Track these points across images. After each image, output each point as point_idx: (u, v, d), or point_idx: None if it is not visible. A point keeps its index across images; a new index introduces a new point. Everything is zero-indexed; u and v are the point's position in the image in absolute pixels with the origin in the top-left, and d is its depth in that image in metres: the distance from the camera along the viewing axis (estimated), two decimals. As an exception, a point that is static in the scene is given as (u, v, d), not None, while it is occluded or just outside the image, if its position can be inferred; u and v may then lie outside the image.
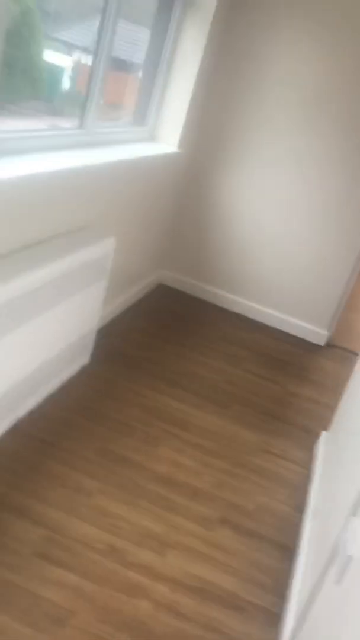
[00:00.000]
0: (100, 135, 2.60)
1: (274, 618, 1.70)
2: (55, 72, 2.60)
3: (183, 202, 3.63)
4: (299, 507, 2.17)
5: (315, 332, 3.65)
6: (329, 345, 3.68)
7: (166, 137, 3.21)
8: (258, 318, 3.72)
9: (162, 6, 2.93)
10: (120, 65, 2.92)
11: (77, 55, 2.68)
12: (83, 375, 2.56)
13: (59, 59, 2.60)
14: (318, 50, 3.11)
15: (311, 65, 3.15)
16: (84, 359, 2.61)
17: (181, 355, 3.02)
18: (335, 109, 3.18)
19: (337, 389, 3.11)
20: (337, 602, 1.26)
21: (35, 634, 1.46)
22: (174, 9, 2.94)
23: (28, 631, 1.46)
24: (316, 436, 2.66)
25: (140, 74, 3.12)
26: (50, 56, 2.53)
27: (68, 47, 2.63)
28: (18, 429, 2.12)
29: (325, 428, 2.69)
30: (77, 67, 2.69)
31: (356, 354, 3.58)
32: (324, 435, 2.54)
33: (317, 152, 3.29)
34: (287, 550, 1.96)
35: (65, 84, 2.72)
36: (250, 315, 3.73)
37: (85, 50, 2.67)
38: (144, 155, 2.83)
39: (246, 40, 3.21)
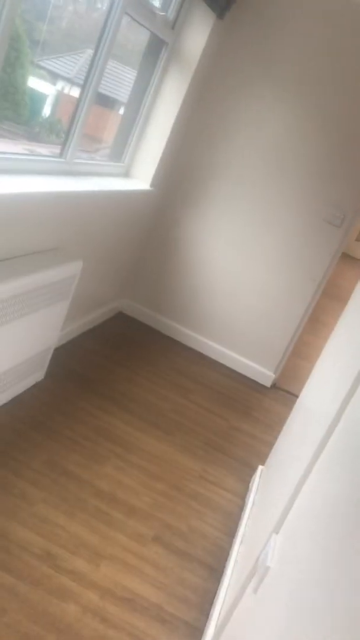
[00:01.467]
0: (78, 165, 2.76)
1: (195, 632, 1.80)
2: (37, 99, 2.73)
3: (150, 237, 3.81)
4: (230, 533, 2.29)
5: (262, 373, 3.83)
6: (274, 386, 3.86)
7: (140, 174, 3.40)
8: (210, 354, 3.89)
9: (150, 51, 3.16)
10: (104, 101, 3.09)
11: (60, 84, 2.82)
12: (37, 390, 2.65)
13: (43, 87, 2.74)
14: (285, 111, 3.38)
15: (281, 122, 3.41)
16: (39, 375, 2.70)
17: (133, 380, 3.14)
18: (301, 166, 3.44)
19: (276, 427, 3.27)
20: (252, 610, 1.39)
21: (-34, 627, 1.52)
22: (160, 58, 3.17)
23: None
24: (253, 469, 2.80)
25: (121, 112, 3.31)
26: (35, 83, 2.66)
27: (53, 76, 2.77)
28: (-32, 434, 2.19)
29: (262, 463, 2.83)
30: (60, 96, 2.83)
31: (297, 397, 3.76)
32: (260, 468, 2.68)
33: (280, 204, 3.53)
34: (214, 571, 2.07)
35: (46, 111, 2.85)
36: (203, 351, 3.89)
37: (69, 81, 2.82)
38: (118, 189, 3.00)
39: (224, 93, 3.46)
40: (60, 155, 2.63)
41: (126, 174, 3.40)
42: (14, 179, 2.18)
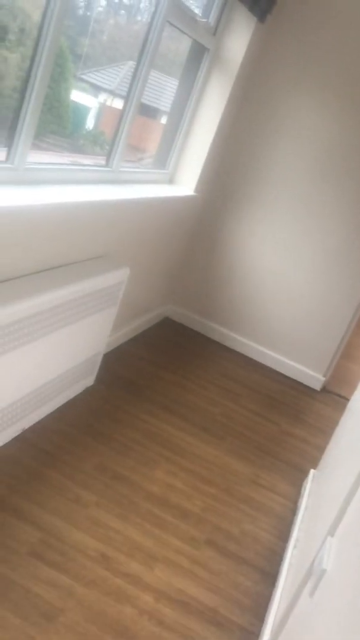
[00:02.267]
0: (124, 174, 2.80)
1: (251, 636, 1.79)
2: (80, 111, 2.78)
3: (195, 242, 3.82)
4: (283, 537, 2.27)
5: (312, 376, 3.78)
6: (324, 390, 3.80)
7: (184, 181, 3.43)
8: (258, 358, 3.86)
9: (192, 58, 3.18)
10: (147, 111, 3.14)
11: (103, 97, 2.87)
12: (87, 395, 2.69)
13: (86, 99, 2.80)
14: (328, 115, 3.34)
15: (324, 126, 3.38)
16: (89, 380, 2.74)
17: (182, 385, 3.15)
18: (344, 168, 3.39)
19: (328, 431, 3.22)
20: (308, 615, 1.37)
21: (24, 626, 1.56)
22: (202, 64, 3.19)
23: (18, 622, 1.56)
24: (305, 474, 2.76)
25: (164, 120, 3.35)
26: (77, 96, 2.72)
27: (95, 89, 2.83)
28: (23, 439, 2.25)
29: (314, 467, 2.79)
30: (102, 108, 2.88)
31: (348, 400, 3.70)
32: (312, 472, 2.64)
33: (325, 206, 3.49)
34: (268, 575, 2.05)
35: (89, 123, 2.91)
36: (251, 355, 3.87)
37: (111, 93, 2.86)
38: (163, 196, 3.03)
39: (266, 98, 3.46)
40: (107, 164, 2.68)
41: (170, 181, 3.43)
42: (62, 188, 2.23)
